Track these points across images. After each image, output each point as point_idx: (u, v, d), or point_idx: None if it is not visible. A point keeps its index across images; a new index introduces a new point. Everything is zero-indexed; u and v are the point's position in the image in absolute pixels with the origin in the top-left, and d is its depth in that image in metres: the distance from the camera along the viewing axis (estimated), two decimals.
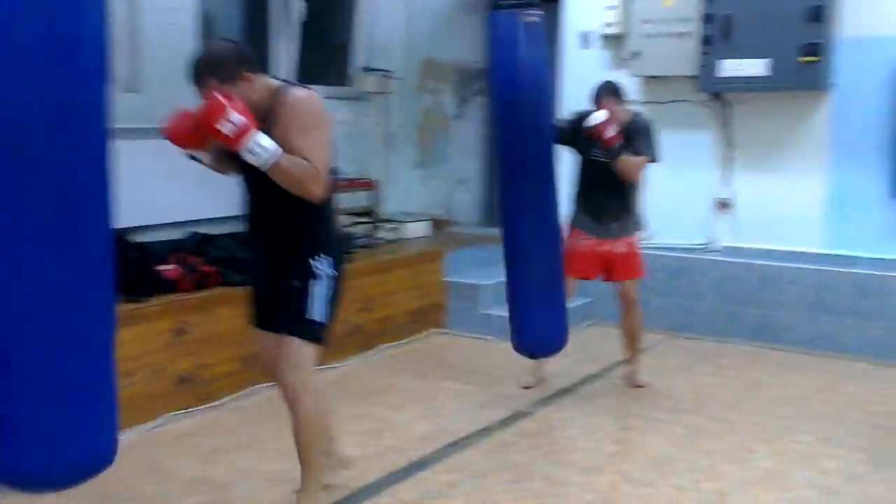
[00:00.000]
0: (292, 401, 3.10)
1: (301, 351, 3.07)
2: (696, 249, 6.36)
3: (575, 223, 4.99)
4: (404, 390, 5.11)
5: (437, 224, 7.33)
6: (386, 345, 5.92)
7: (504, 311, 4.82)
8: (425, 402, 4.90)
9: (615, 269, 4.95)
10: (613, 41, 6.56)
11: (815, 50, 5.65)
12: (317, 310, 3.09)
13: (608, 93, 4.75)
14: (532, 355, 4.83)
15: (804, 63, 5.68)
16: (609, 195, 4.85)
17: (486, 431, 4.44)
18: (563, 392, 5.09)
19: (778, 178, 6.10)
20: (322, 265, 3.11)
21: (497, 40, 4.46)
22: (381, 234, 6.68)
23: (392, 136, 7.54)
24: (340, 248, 3.27)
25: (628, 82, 6.37)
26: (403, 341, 6.05)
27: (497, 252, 4.75)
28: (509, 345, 4.80)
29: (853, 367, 5.54)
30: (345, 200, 6.41)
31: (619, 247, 4.91)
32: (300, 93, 3.00)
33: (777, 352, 5.86)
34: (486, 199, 7.75)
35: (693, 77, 6.10)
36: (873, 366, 5.54)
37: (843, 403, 4.88)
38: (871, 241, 5.81)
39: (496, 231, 4.84)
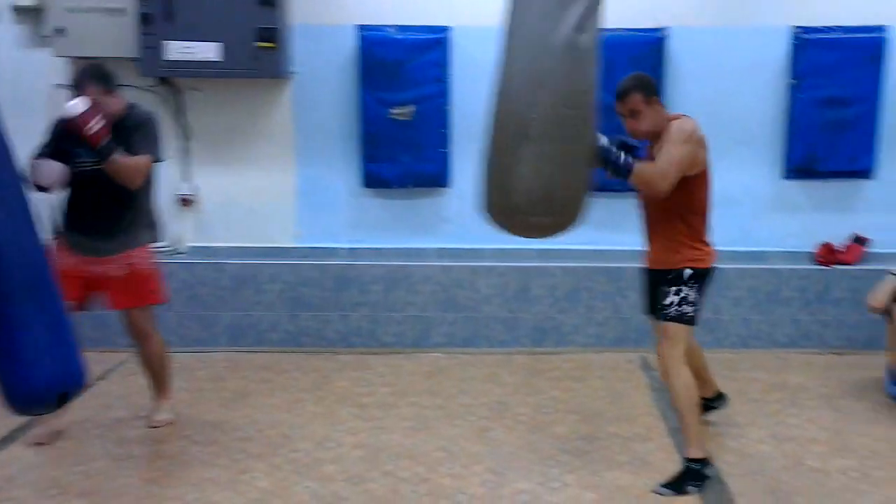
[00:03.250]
0: None
1: None
2: (158, 252, 5.74)
3: (60, 239, 4.10)
4: None
5: None
6: None
7: None
8: None
9: (111, 294, 4.18)
10: (32, 14, 5.64)
11: (270, 36, 5.50)
12: None
13: (91, 78, 3.95)
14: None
15: (260, 49, 5.49)
16: (102, 207, 4.06)
17: None
18: (7, 439, 4.16)
19: (244, 170, 5.89)
20: None
21: None
22: None
23: None
24: None
25: (54, 64, 5.60)
26: None
27: None
28: None
29: (338, 360, 5.56)
30: None
31: (114, 269, 4.13)
32: None
33: (262, 355, 5.64)
34: None
35: (135, 60, 5.49)
36: (357, 356, 5.63)
37: (336, 400, 4.83)
38: (346, 231, 5.91)
39: None
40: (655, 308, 3.85)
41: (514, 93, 3.35)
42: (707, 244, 3.79)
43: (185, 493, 3.64)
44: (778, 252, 5.74)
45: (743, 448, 4.10)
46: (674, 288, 3.72)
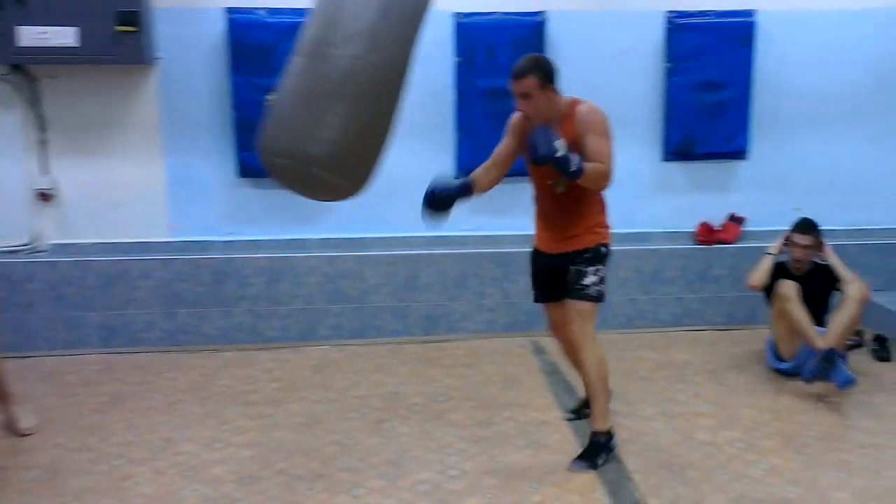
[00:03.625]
0: None
1: None
2: (16, 251, 5.49)
3: None
4: None
5: None
6: None
7: None
8: None
9: None
10: None
11: (132, 19, 5.31)
12: None
13: None
14: None
15: (120, 33, 5.29)
16: None
17: None
18: None
19: (108, 162, 5.64)
20: None
21: None
22: None
23: None
24: None
25: None
26: None
27: None
28: None
29: (220, 357, 5.41)
30: None
31: None
32: None
33: (137, 355, 5.43)
34: None
35: None
36: (241, 352, 5.50)
37: (220, 399, 4.68)
38: (222, 223, 5.75)
39: None
40: (563, 290, 3.83)
41: (341, 45, 3.20)
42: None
43: (63, 503, 3.44)
44: (660, 233, 5.93)
45: (636, 426, 4.21)
46: (593, 267, 3.77)
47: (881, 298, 5.63)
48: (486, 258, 5.66)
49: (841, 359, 4.50)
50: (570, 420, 4.26)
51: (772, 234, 5.31)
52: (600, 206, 3.86)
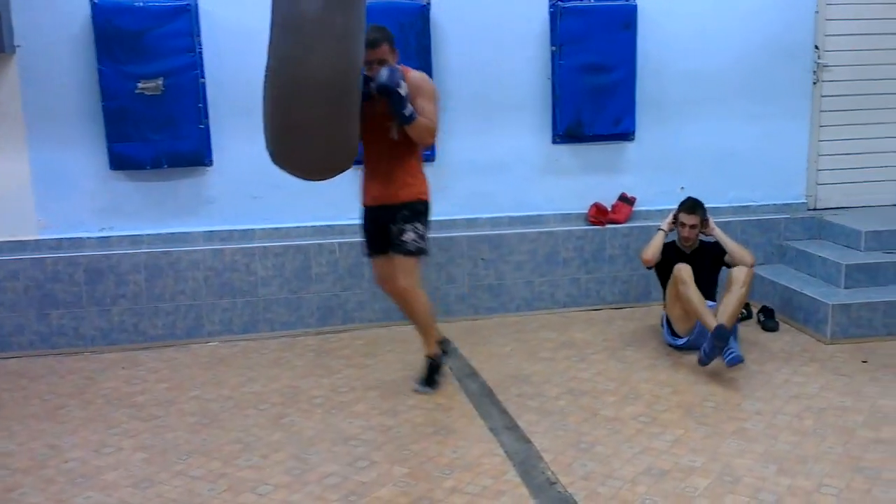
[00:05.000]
0: None
1: None
2: None
3: None
4: None
5: None
6: None
7: None
8: None
9: None
10: None
11: None
12: None
13: None
14: None
15: None
16: None
17: None
18: None
19: None
20: None
21: None
22: None
23: None
24: None
25: None
26: None
27: None
28: None
29: (101, 359, 5.22)
30: None
31: None
32: None
33: (9, 360, 5.19)
34: None
35: None
36: (123, 353, 5.31)
37: (105, 402, 4.52)
38: (95, 218, 5.53)
39: None
40: (387, 244, 4.37)
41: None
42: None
43: None
44: (553, 215, 6.04)
45: (542, 406, 4.29)
46: (411, 224, 4.30)
47: (765, 272, 5.93)
48: None
49: (732, 335, 4.70)
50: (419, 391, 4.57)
51: (660, 213, 5.51)
52: (419, 166, 4.41)
